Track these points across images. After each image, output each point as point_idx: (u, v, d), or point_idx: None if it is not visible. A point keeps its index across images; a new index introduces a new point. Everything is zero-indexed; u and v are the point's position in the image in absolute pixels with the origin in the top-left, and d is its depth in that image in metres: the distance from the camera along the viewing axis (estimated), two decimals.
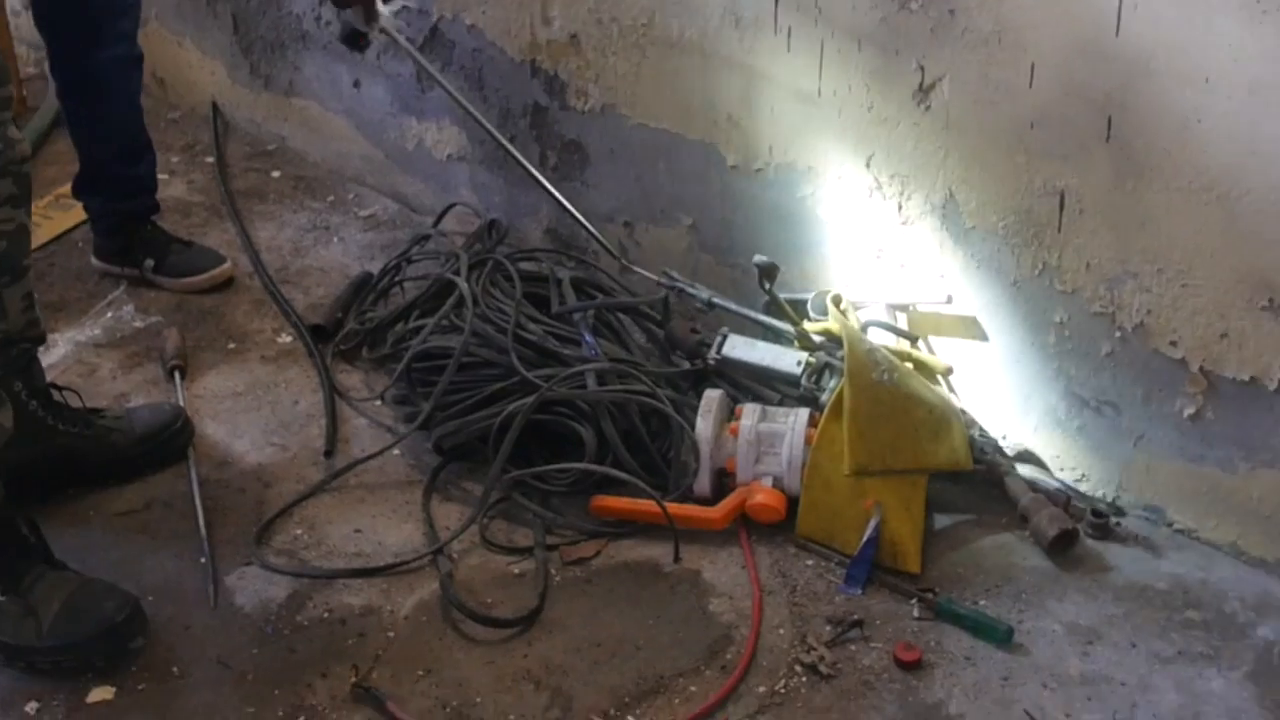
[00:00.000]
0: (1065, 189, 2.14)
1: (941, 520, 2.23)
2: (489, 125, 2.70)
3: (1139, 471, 2.21)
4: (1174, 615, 2.03)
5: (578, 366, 2.30)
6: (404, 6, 2.74)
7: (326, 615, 2.04)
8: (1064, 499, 2.22)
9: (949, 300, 2.34)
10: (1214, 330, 2.04)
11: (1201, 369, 2.07)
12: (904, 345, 2.35)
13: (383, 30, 2.60)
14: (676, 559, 2.15)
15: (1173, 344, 2.09)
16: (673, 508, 2.17)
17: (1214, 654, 1.96)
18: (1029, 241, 2.21)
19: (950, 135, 2.23)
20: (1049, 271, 2.20)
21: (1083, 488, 2.28)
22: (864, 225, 2.41)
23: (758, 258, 2.30)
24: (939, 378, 2.34)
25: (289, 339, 2.74)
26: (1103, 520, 2.18)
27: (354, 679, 1.91)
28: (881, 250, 2.40)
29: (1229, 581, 2.09)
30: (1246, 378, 2.03)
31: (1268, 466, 2.05)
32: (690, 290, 2.49)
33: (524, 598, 2.07)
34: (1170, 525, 2.20)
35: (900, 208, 2.35)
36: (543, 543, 2.17)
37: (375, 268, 2.90)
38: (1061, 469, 2.30)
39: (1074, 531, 2.14)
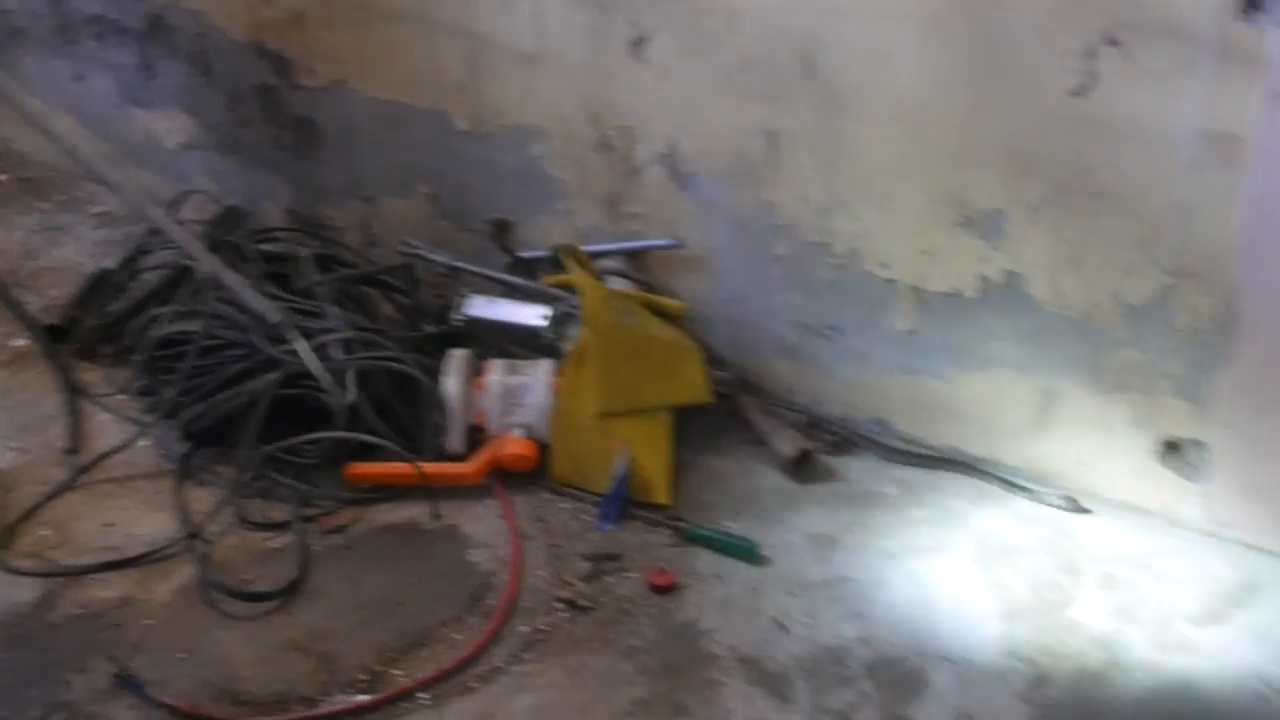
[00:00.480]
0: (776, 129, 2.26)
1: (688, 453, 2.33)
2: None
3: (865, 388, 2.36)
4: (902, 515, 2.19)
5: (321, 338, 2.30)
6: None
7: (80, 611, 2.00)
8: (802, 421, 2.35)
9: (681, 244, 2.44)
10: (917, 248, 2.19)
11: (911, 286, 2.22)
12: (640, 291, 2.44)
13: None
14: (435, 517, 2.19)
15: (883, 265, 2.24)
16: (427, 467, 2.21)
17: (939, 546, 2.12)
18: (748, 181, 2.32)
19: (667, 86, 2.32)
20: (768, 208, 2.32)
21: (817, 411, 2.41)
22: (596, 178, 2.48)
23: (489, 216, 2.35)
24: (675, 319, 2.44)
25: (24, 342, 2.65)
26: (835, 437, 2.32)
27: (114, 670, 1.88)
28: (614, 201, 2.48)
29: (951, 480, 2.26)
30: (948, 290, 2.19)
31: (976, 370, 2.22)
32: (430, 256, 2.52)
33: (284, 571, 2.07)
34: (897, 434, 2.35)
35: (627, 159, 2.43)
36: (300, 515, 2.17)
37: (112, 263, 2.83)
38: (796, 393, 2.43)
39: (810, 450, 2.27)
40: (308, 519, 2.18)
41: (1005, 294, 2.13)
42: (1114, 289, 2.02)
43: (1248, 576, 2.03)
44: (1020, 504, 2.20)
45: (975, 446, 2.28)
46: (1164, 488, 2.12)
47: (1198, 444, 2.06)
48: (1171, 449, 2.09)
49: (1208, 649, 1.90)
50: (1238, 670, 1.86)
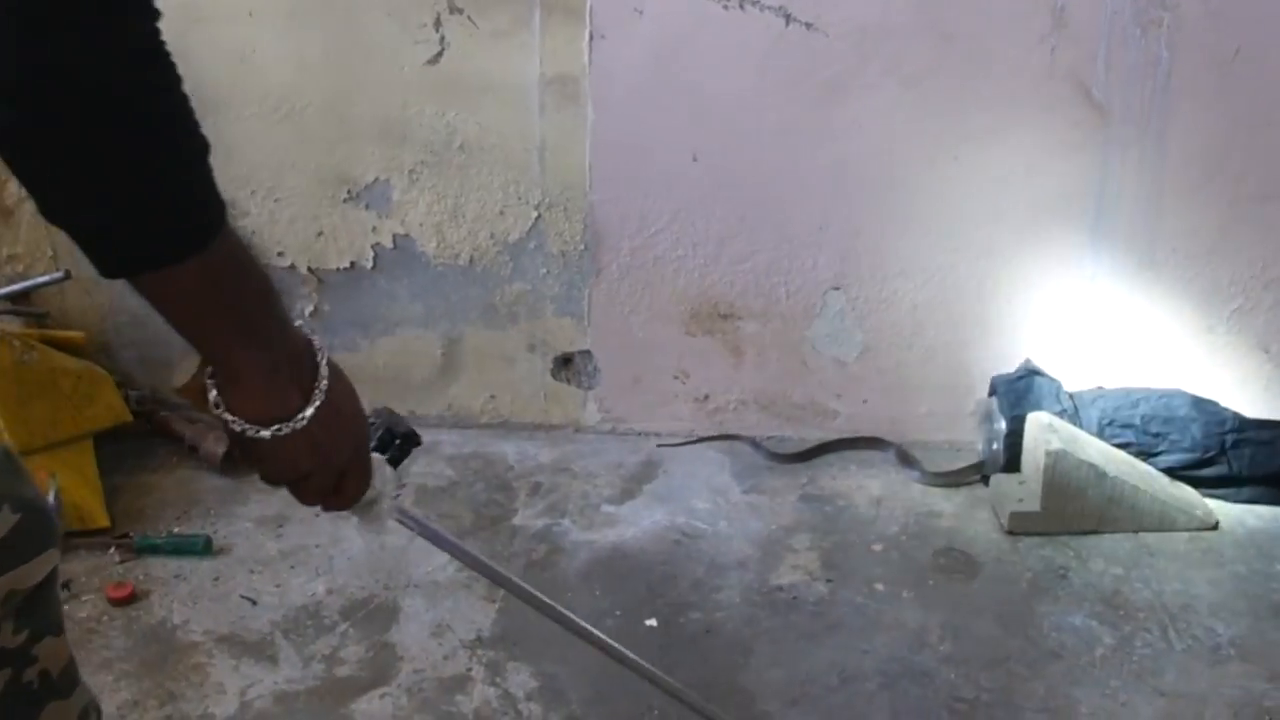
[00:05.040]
0: None
1: (121, 475, 2.28)
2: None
3: None
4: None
5: None
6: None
7: None
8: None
9: (69, 275, 2.38)
10: (311, 231, 2.34)
11: (309, 268, 2.36)
12: (35, 328, 2.36)
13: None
14: None
15: (281, 254, 2.36)
16: None
17: (381, 498, 2.26)
18: None
19: None
20: None
21: None
22: None
23: None
24: (78, 349, 2.37)
25: None
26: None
27: None
28: None
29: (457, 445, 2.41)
30: (348, 264, 2.35)
31: (384, 335, 2.40)
32: None
33: None
34: None
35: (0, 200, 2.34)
36: None
37: None
38: None
39: None
40: None
41: (399, 257, 2.33)
42: (493, 231, 2.29)
43: (644, 457, 2.39)
44: (445, 447, 2.40)
45: (393, 406, 2.44)
46: (566, 400, 2.43)
47: (586, 354, 2.39)
48: (565, 364, 2.40)
49: (627, 519, 2.21)
50: (654, 527, 2.18)
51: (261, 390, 0.91)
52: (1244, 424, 2.26)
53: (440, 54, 2.17)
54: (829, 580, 2.04)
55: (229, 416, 0.90)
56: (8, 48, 0.74)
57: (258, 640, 1.94)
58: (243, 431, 0.90)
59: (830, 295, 2.31)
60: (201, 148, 0.83)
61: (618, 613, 1.97)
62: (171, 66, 0.80)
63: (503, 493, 2.29)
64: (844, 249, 2.27)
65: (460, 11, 2.14)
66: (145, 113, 0.79)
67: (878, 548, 2.14)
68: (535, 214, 2.27)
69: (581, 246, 2.29)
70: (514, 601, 1.99)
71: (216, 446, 2.29)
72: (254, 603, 2.02)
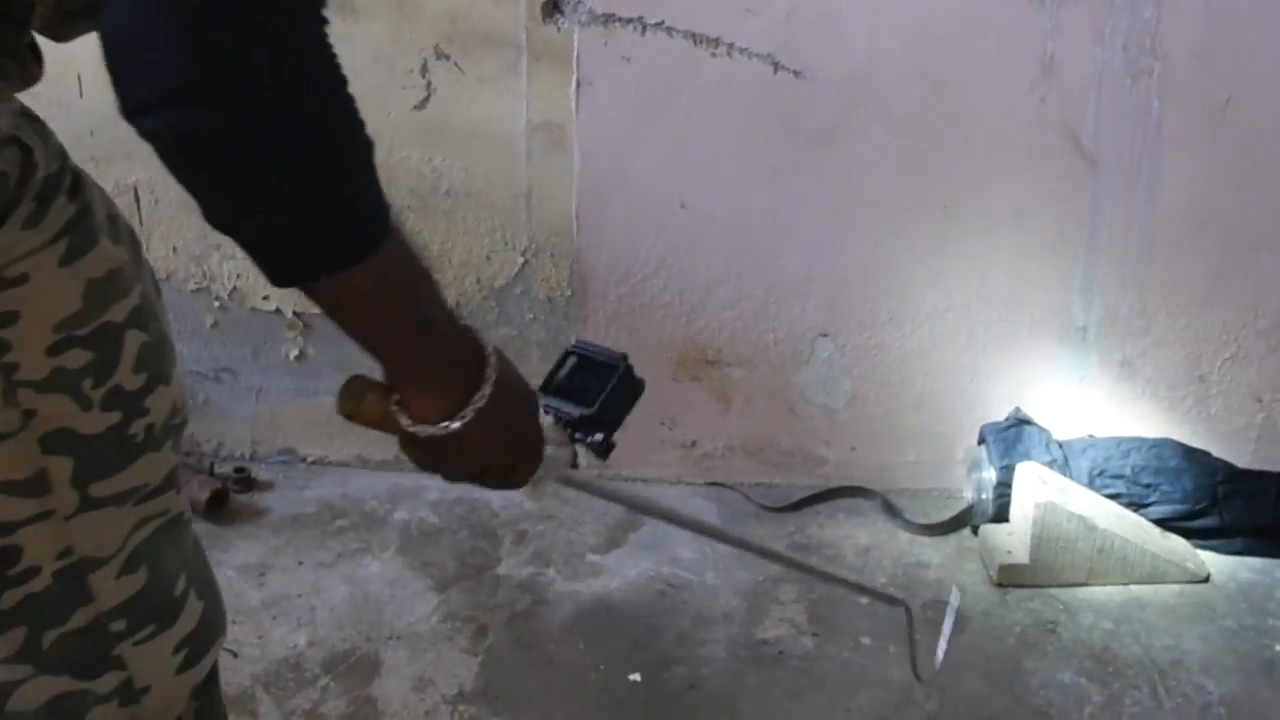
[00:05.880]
0: (137, 183, 2.28)
1: None
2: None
3: (266, 422, 2.43)
4: (327, 528, 2.28)
5: None
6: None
7: None
8: (208, 465, 2.37)
9: None
10: None
11: (295, 313, 2.34)
12: None
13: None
14: None
15: (265, 299, 2.34)
16: None
17: (366, 545, 2.24)
18: None
19: None
20: None
21: (223, 452, 2.44)
22: None
23: None
24: None
25: None
26: (244, 474, 2.36)
27: None
28: None
29: (364, 488, 2.39)
30: None
31: None
32: None
33: None
34: (305, 459, 2.45)
35: None
36: None
37: None
38: (200, 442, 2.44)
39: (225, 489, 2.30)
40: None
41: None
42: (479, 276, 2.28)
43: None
44: (429, 493, 2.38)
45: (379, 454, 2.44)
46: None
47: None
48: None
49: (612, 568, 2.18)
50: (639, 578, 2.15)
51: (444, 379, 0.92)
52: (1236, 475, 2.24)
53: (427, 99, 2.16)
54: (815, 634, 2.02)
55: (415, 426, 0.92)
56: (174, 50, 0.73)
57: (238, 694, 1.91)
58: (431, 434, 0.92)
59: (819, 342, 2.29)
60: (368, 147, 0.82)
61: (601, 667, 1.94)
62: (338, 66, 0.79)
63: (488, 540, 2.26)
64: (832, 296, 2.26)
65: (447, 57, 2.13)
66: (317, 115, 0.78)
67: (864, 600, 2.11)
68: (522, 260, 2.26)
69: (568, 292, 2.27)
70: (497, 654, 1.97)
71: (200, 492, 2.27)
72: (235, 655, 1.99)
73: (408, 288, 0.88)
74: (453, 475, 0.99)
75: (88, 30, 0.81)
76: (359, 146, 0.82)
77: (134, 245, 0.89)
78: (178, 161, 0.77)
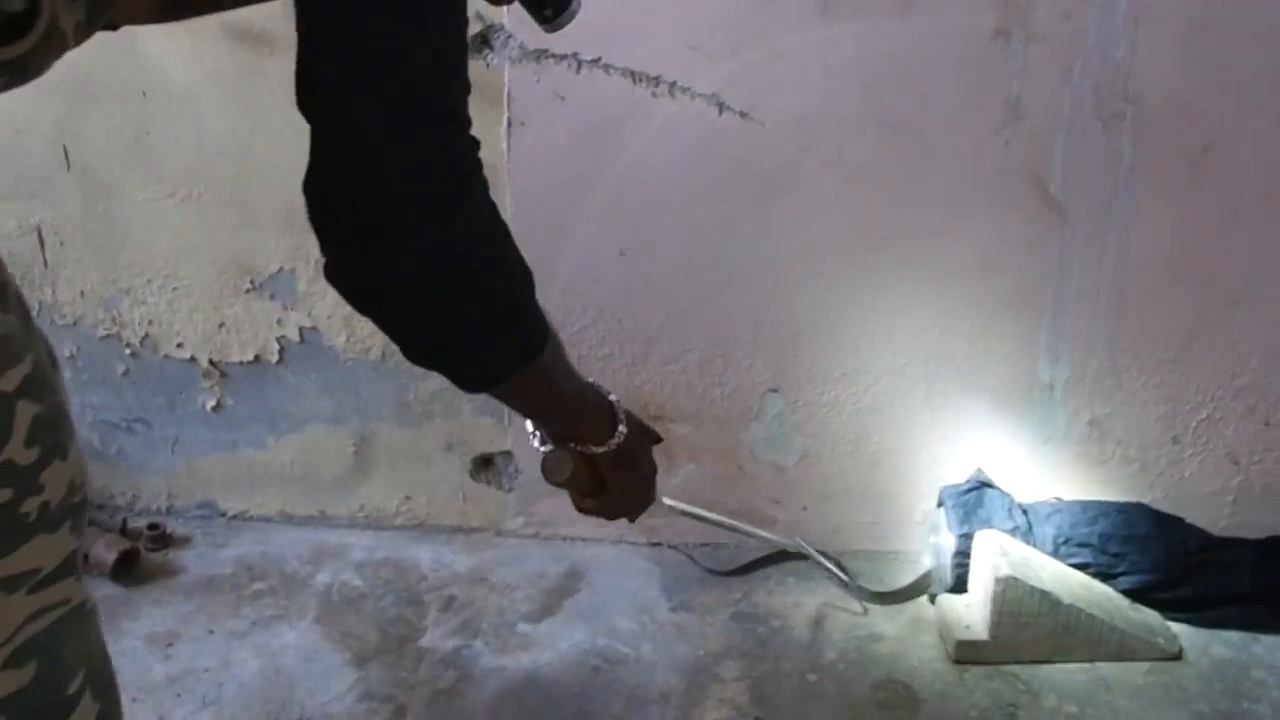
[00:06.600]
0: (41, 224, 2.14)
1: None
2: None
3: (183, 474, 2.28)
4: (243, 592, 2.14)
5: None
6: None
7: None
8: (120, 521, 2.22)
9: None
10: (212, 323, 2.17)
11: (211, 361, 2.19)
12: None
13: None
14: None
15: (180, 346, 2.19)
16: None
17: (283, 613, 2.09)
18: (23, 284, 2.17)
19: None
20: (47, 308, 2.18)
21: (138, 505, 2.30)
22: None
23: None
24: None
25: None
26: (158, 531, 2.22)
27: None
28: None
29: (286, 545, 2.25)
30: (252, 358, 2.19)
31: (291, 432, 2.24)
32: None
33: None
34: (224, 514, 2.30)
35: None
36: None
37: None
38: (113, 495, 2.30)
39: (135, 550, 2.16)
40: None
41: (306, 351, 2.17)
42: None
43: (569, 566, 2.22)
44: (355, 552, 2.24)
45: (302, 508, 2.30)
46: (486, 502, 2.27)
47: (506, 455, 2.23)
48: (485, 465, 2.24)
49: (544, 640, 2.04)
50: (572, 651, 2.01)
51: (598, 418, 1.21)
52: (1210, 543, 2.11)
53: None
54: (758, 718, 1.88)
55: (603, 447, 1.21)
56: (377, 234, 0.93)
57: None
58: (615, 444, 1.21)
59: (768, 398, 2.15)
60: (530, 278, 1.03)
61: None
62: (504, 227, 1.00)
63: (413, 608, 2.12)
64: (782, 350, 2.11)
65: None
66: (504, 278, 1.00)
67: (812, 678, 1.97)
68: None
69: None
70: None
71: (108, 553, 2.12)
72: None
73: (564, 369, 1.13)
74: (632, 484, 1.28)
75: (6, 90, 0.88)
76: (525, 280, 1.02)
77: (23, 312, 0.89)
78: (379, 316, 0.97)
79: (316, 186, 0.92)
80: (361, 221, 0.93)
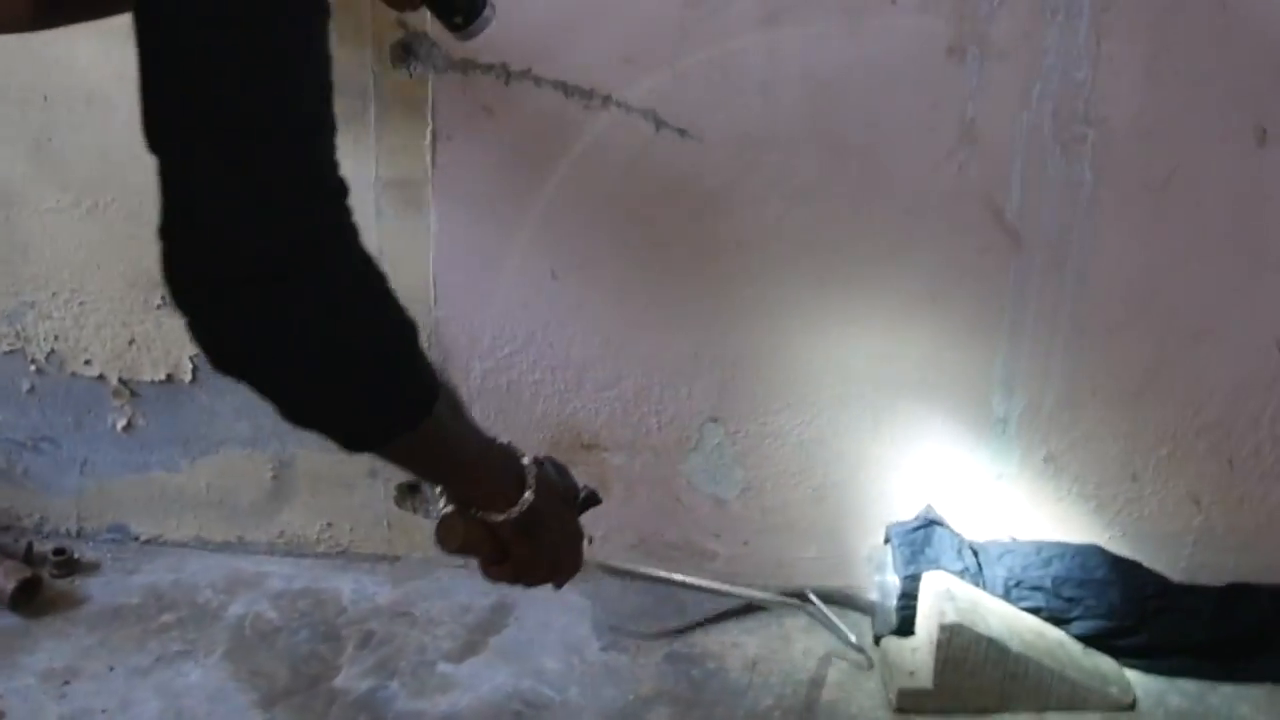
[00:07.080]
0: None
1: None
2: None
3: (93, 496, 2.17)
4: (149, 624, 2.02)
5: None
6: None
7: None
8: (26, 544, 2.11)
9: None
10: (122, 339, 2.05)
11: (121, 380, 2.08)
12: None
13: None
14: None
15: (88, 363, 2.07)
16: None
17: (191, 648, 1.98)
18: None
19: None
20: None
21: (46, 528, 2.18)
22: None
23: None
24: None
25: None
26: (64, 556, 2.10)
27: None
28: None
29: (200, 573, 2.13)
30: (163, 377, 2.07)
31: (206, 455, 2.12)
32: None
33: None
34: (137, 539, 2.19)
35: None
36: None
37: None
38: (18, 518, 2.18)
39: (36, 578, 2.04)
40: None
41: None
42: None
43: (496, 599, 2.11)
44: (272, 581, 2.13)
45: (219, 534, 2.18)
46: (412, 530, 2.16)
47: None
48: (411, 492, 2.13)
49: (465, 682, 1.93)
50: (494, 695, 1.90)
51: (502, 480, 1.12)
52: (1168, 589, 2.02)
53: None
54: None
55: (502, 514, 1.12)
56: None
57: None
58: (518, 511, 1.12)
59: (707, 427, 2.04)
60: (411, 333, 0.98)
61: None
62: (383, 279, 0.96)
63: (328, 643, 2.01)
64: (722, 378, 2.00)
65: None
66: (374, 330, 0.95)
67: None
68: None
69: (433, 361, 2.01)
70: None
71: (6, 581, 2.01)
72: None
73: (459, 430, 1.06)
74: (540, 553, 1.16)
75: None
76: (411, 334, 0.98)
77: None
78: (252, 380, 0.94)
79: (165, 241, 0.88)
80: (211, 289, 0.88)
